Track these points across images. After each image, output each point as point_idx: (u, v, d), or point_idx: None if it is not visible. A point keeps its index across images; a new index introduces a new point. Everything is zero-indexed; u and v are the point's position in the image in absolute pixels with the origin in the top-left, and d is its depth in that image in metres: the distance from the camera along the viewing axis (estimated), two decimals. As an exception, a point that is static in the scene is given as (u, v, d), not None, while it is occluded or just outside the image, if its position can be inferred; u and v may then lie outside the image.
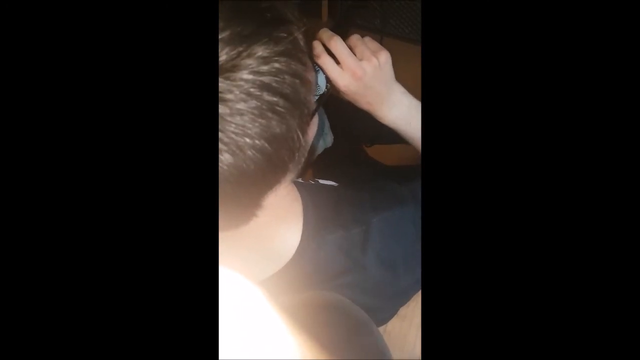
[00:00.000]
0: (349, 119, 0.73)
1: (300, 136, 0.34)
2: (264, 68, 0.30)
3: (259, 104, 0.30)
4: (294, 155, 0.35)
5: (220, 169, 0.31)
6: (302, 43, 0.34)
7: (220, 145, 0.30)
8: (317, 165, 0.79)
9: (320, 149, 0.77)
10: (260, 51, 0.30)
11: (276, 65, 0.31)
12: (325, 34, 0.46)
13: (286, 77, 0.31)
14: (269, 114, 0.31)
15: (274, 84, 0.31)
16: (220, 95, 0.29)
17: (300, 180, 0.55)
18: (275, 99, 0.31)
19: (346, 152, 0.89)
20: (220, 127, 0.30)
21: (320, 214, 0.44)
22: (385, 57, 0.47)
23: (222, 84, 0.29)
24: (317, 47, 0.45)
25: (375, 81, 0.47)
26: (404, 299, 0.51)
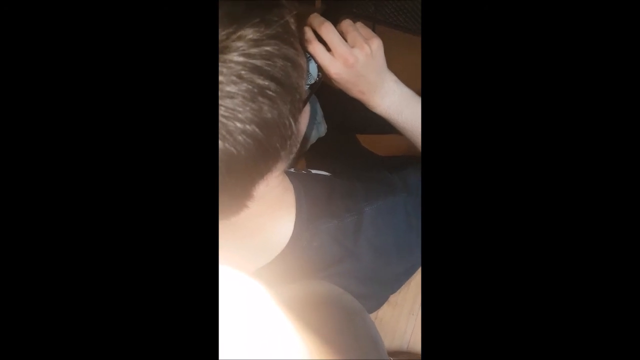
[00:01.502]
0: (342, 109, 0.72)
1: (292, 123, 0.34)
2: (255, 51, 0.30)
3: (249, 87, 0.30)
4: (286, 142, 0.35)
5: None
6: (293, 27, 0.34)
7: None
8: (310, 155, 0.79)
9: (313, 138, 0.77)
10: (251, 34, 0.29)
11: (267, 48, 0.30)
12: (316, 19, 0.45)
13: (277, 60, 0.31)
14: (260, 98, 0.30)
15: (265, 67, 0.30)
16: None
17: (292, 170, 0.55)
18: (266, 82, 0.30)
19: (339, 142, 0.88)
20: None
21: (313, 204, 0.44)
22: (377, 44, 0.46)
23: None
24: (308, 33, 0.44)
25: (367, 69, 0.46)
26: (395, 286, 0.52)
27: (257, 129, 0.31)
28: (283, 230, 0.43)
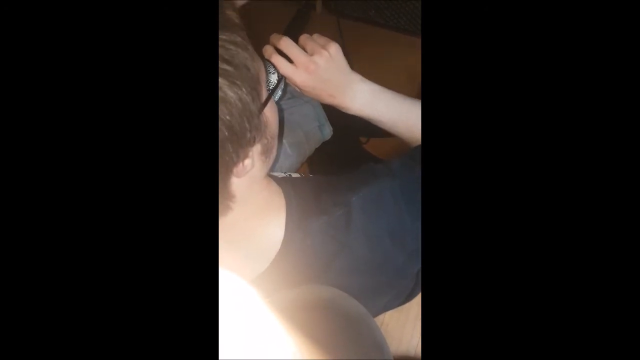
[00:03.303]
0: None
1: (255, 106, 0.36)
2: None
3: None
4: (250, 122, 0.36)
5: None
6: (237, 21, 0.36)
7: None
8: (313, 159, 0.79)
9: (318, 142, 0.77)
10: None
11: (220, 36, 0.33)
12: (274, 37, 0.48)
13: (230, 46, 0.33)
14: (220, 79, 0.32)
15: (220, 52, 0.32)
16: None
17: (281, 174, 0.55)
18: (224, 66, 0.32)
19: (343, 147, 0.88)
20: None
21: (301, 204, 0.44)
22: (335, 48, 0.48)
23: None
24: (268, 49, 0.47)
25: (330, 73, 0.49)
26: (402, 276, 0.50)
27: (222, 108, 0.33)
28: (274, 233, 0.43)
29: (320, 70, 0.48)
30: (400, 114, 0.53)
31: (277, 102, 0.47)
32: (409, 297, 0.55)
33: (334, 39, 0.50)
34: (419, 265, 0.49)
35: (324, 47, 0.48)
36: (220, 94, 0.33)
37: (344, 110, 0.53)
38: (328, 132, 0.75)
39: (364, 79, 0.52)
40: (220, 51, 0.33)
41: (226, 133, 0.34)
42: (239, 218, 0.40)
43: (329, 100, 0.52)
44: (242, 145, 0.36)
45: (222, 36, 0.33)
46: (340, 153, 0.89)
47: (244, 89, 0.34)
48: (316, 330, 0.31)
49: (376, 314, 0.55)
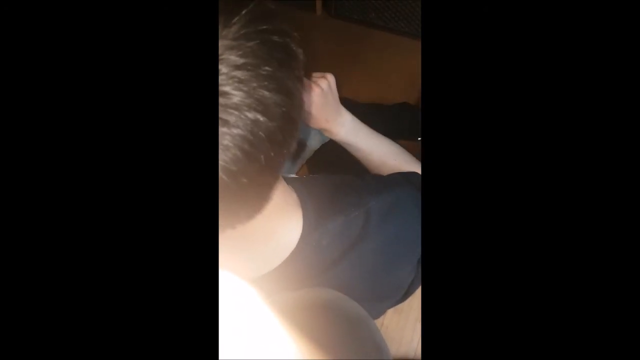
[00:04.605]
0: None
1: (301, 90, 0.34)
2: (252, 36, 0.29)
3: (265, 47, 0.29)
4: (302, 110, 0.35)
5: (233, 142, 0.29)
6: (301, 57, 0.34)
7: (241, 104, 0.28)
8: (312, 162, 0.79)
9: (316, 144, 0.77)
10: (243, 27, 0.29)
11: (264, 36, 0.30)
12: None
13: (274, 37, 0.31)
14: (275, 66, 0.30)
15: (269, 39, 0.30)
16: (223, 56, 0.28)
17: (293, 175, 0.56)
18: (279, 55, 0.30)
19: (341, 150, 0.89)
20: (241, 87, 0.28)
21: (318, 204, 0.45)
22: (331, 77, 0.56)
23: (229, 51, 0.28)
24: None
25: (329, 97, 0.56)
26: (405, 281, 0.52)
27: (282, 97, 0.30)
28: (292, 232, 0.43)
29: (324, 93, 0.55)
30: (375, 145, 0.62)
31: None
32: (405, 296, 0.56)
33: (334, 41, 0.51)
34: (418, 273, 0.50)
35: (322, 76, 0.55)
36: (282, 82, 0.31)
37: (331, 136, 0.60)
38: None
39: (346, 110, 0.60)
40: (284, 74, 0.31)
41: (286, 121, 0.32)
42: (261, 218, 0.40)
43: (323, 124, 0.58)
44: (296, 133, 0.35)
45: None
46: (339, 156, 0.89)
47: (293, 76, 0.32)
48: (316, 331, 0.31)
49: (376, 316, 0.55)
